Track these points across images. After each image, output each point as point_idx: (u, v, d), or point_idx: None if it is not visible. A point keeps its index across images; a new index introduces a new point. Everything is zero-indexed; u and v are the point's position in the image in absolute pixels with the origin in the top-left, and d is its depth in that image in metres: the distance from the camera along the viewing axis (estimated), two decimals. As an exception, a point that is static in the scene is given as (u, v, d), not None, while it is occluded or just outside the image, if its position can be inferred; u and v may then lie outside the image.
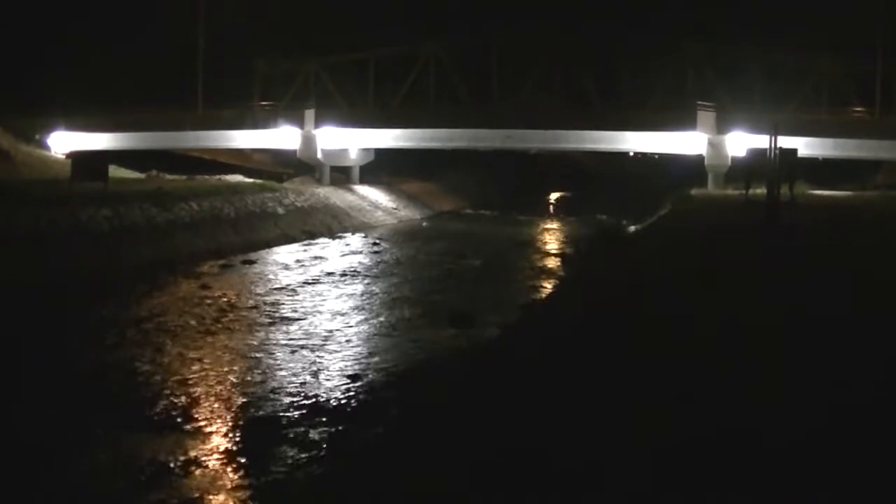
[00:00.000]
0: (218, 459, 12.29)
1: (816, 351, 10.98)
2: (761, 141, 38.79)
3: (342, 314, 23.67)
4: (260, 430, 13.54)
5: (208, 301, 24.80)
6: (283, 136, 55.56)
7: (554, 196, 79.13)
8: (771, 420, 8.53)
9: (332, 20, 63.86)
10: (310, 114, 54.95)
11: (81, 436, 13.16)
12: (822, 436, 8.02)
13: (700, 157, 49.76)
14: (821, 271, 17.88)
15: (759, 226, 27.24)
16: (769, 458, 7.45)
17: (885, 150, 47.34)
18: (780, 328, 12.26)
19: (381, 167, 60.19)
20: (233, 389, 15.93)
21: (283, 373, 17.14)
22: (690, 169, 52.66)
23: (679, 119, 49.33)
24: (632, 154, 75.63)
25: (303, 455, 12.39)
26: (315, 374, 17.00)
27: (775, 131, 31.25)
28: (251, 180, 50.91)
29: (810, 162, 42.92)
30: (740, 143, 46.05)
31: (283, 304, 24.84)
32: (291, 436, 13.19)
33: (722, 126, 48.78)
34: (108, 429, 13.45)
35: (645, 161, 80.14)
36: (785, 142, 32.63)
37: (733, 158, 47.91)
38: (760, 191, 37.03)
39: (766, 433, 8.14)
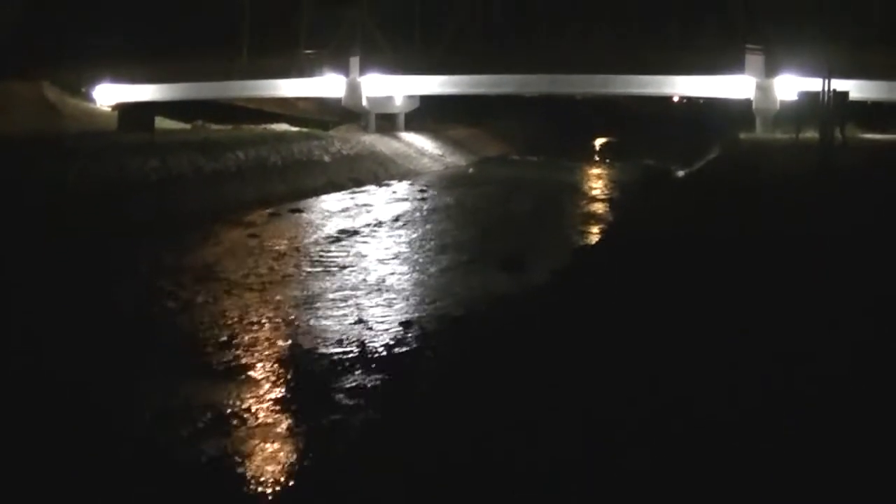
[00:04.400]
0: (273, 408, 12.32)
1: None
2: (811, 84, 38.26)
3: (392, 261, 23.69)
4: (314, 378, 13.56)
5: (258, 250, 24.88)
6: (328, 84, 55.28)
7: (599, 140, 78.47)
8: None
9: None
10: (354, 61, 54.67)
11: (139, 383, 13.25)
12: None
13: (747, 101, 49.07)
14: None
15: (813, 168, 26.95)
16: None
17: (940, 92, 46.46)
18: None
19: (427, 114, 59.83)
20: (285, 337, 15.96)
21: (335, 321, 17.15)
22: (737, 112, 51.94)
23: (727, 62, 48.56)
24: (676, 99, 74.95)
25: (359, 401, 12.40)
26: (367, 322, 16.99)
27: (829, 74, 30.80)
28: (297, 129, 50.89)
29: (859, 104, 42.21)
30: (789, 86, 45.37)
31: (332, 251, 24.89)
32: (346, 384, 13.20)
33: (770, 69, 47.95)
34: (165, 376, 13.52)
35: (690, 105, 79.26)
36: (836, 84, 32.16)
37: (782, 102, 47.23)
38: (810, 134, 36.64)
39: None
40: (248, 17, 59.26)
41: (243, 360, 14.40)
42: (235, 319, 17.04)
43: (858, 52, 45.11)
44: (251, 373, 13.84)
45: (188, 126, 52.52)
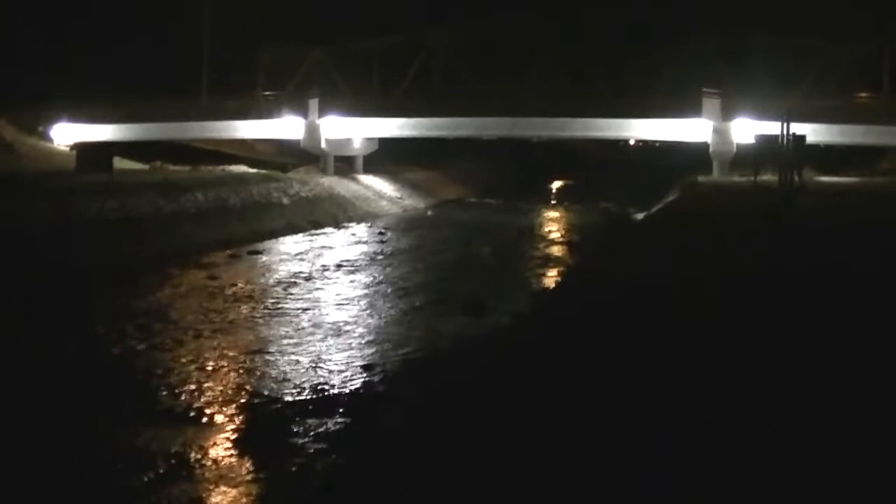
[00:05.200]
0: (234, 451, 12.22)
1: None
2: (767, 127, 38.76)
3: (352, 304, 23.63)
4: (275, 421, 13.47)
5: (217, 292, 24.75)
6: (287, 126, 55.34)
7: (557, 183, 78.84)
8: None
9: (335, 8, 63.61)
10: (314, 103, 54.77)
11: (96, 428, 13.10)
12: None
13: (705, 144, 49.57)
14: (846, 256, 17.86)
15: (774, 211, 27.17)
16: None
17: (892, 136, 47.03)
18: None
19: (385, 156, 59.99)
20: (245, 380, 15.87)
21: (295, 363, 17.06)
22: (694, 156, 52.47)
23: (684, 106, 49.11)
24: (632, 143, 75.54)
25: (320, 446, 12.31)
26: (328, 365, 16.92)
27: (788, 118, 31.21)
28: (255, 171, 50.84)
29: (815, 148, 42.70)
30: (746, 129, 45.92)
31: (293, 294, 24.79)
32: (307, 427, 13.10)
33: (727, 113, 48.52)
34: (122, 421, 13.38)
35: (647, 148, 80.00)
36: (792, 128, 32.58)
37: (738, 145, 47.75)
38: (768, 177, 37.02)
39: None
40: (208, 58, 59.25)
41: (203, 406, 14.26)
42: (195, 363, 16.89)
43: (813, 96, 45.74)
44: (212, 418, 13.71)
45: (146, 167, 52.29)
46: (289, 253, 33.26)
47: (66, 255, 27.55)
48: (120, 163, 51.70)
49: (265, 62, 59.45)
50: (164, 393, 14.94)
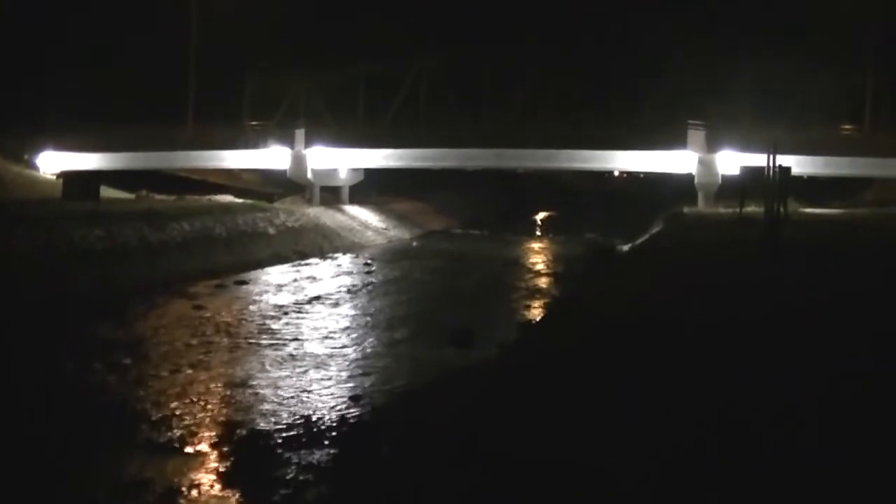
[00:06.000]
0: (221, 482, 12.21)
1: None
2: (752, 159, 39.01)
3: (338, 335, 23.61)
4: (262, 452, 13.41)
5: (203, 322, 24.74)
6: (273, 156, 55.35)
7: (542, 215, 78.99)
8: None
9: (322, 39, 63.76)
10: (300, 134, 54.84)
11: (84, 459, 13.10)
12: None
13: (689, 176, 49.82)
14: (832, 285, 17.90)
15: (759, 242, 27.28)
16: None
17: (875, 168, 47.49)
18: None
19: (371, 187, 60.10)
20: (232, 411, 15.87)
21: (282, 394, 17.06)
22: (679, 187, 52.68)
23: (669, 138, 49.36)
24: (616, 174, 75.88)
25: (307, 477, 12.28)
26: (315, 396, 16.93)
27: (774, 150, 31.41)
28: (241, 200, 50.83)
29: (799, 179, 42.98)
30: (730, 161, 46.22)
31: (279, 324, 24.78)
32: (295, 458, 13.05)
33: (712, 144, 48.80)
34: (110, 451, 13.39)
35: (632, 179, 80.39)
36: (777, 160, 32.78)
37: (723, 176, 48.04)
38: (753, 209, 37.21)
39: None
40: (194, 88, 59.33)
41: (189, 437, 14.24)
42: (180, 395, 16.85)
43: (797, 128, 46.06)
44: (198, 449, 13.69)
45: (132, 196, 52.22)
46: (275, 283, 33.23)
47: (50, 283, 27.54)
48: (106, 191, 51.70)
49: (251, 92, 59.62)
50: (149, 425, 14.90)
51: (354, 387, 17.69)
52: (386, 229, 55.12)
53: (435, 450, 9.71)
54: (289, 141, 54.85)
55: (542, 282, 35.23)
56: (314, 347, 21.64)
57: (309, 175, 54.93)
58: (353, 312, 27.42)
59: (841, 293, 17.01)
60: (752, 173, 36.20)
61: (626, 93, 55.29)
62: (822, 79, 50.09)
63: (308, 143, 54.63)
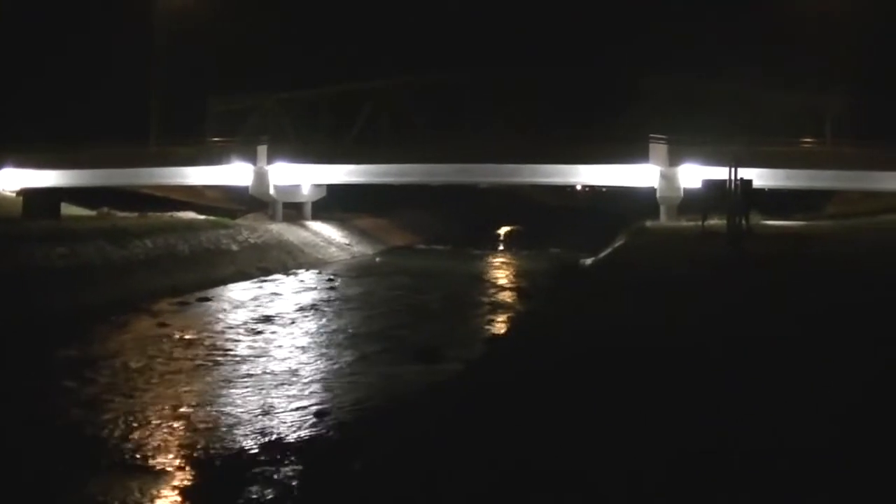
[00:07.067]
0: (185, 501, 12.20)
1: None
2: (714, 173, 39.28)
3: (303, 351, 23.58)
4: (229, 469, 13.43)
5: (167, 339, 24.65)
6: (235, 173, 55.28)
7: (505, 229, 79.27)
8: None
9: (286, 57, 63.87)
10: (262, 150, 54.81)
11: (48, 479, 13.03)
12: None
13: (652, 189, 50.09)
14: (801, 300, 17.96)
15: (724, 254, 27.46)
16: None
17: (836, 180, 48.05)
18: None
19: (334, 203, 60.17)
20: (197, 429, 15.79)
21: (246, 411, 17.00)
22: (642, 201, 52.95)
23: (631, 152, 49.62)
24: (579, 188, 76.12)
25: (273, 493, 12.28)
26: (280, 412, 16.89)
27: (736, 163, 31.67)
28: (204, 217, 50.70)
29: (760, 192, 43.27)
30: (693, 175, 46.49)
31: (242, 341, 24.71)
32: (261, 475, 13.06)
33: (674, 158, 49.15)
34: (74, 471, 13.32)
35: (595, 194, 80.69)
36: (739, 173, 33.07)
37: (685, 190, 48.33)
38: (715, 222, 37.46)
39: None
40: (157, 105, 59.19)
41: (155, 456, 14.18)
42: (145, 413, 16.76)
43: (759, 142, 46.46)
44: (164, 468, 13.63)
45: (94, 213, 52.01)
46: (238, 300, 33.15)
47: (11, 303, 27.34)
48: (67, 209, 51.50)
49: (215, 109, 59.49)
50: (115, 444, 14.82)
51: (320, 403, 17.66)
52: (349, 245, 55.11)
53: (407, 464, 9.73)
54: (251, 157, 54.78)
55: (506, 296, 35.33)
56: (278, 365, 21.58)
57: (271, 191, 54.93)
58: (316, 328, 27.39)
59: (801, 313, 16.98)
60: (713, 186, 36.39)
61: (589, 107, 55.51)
62: (783, 93, 50.60)
63: (270, 159, 54.63)
